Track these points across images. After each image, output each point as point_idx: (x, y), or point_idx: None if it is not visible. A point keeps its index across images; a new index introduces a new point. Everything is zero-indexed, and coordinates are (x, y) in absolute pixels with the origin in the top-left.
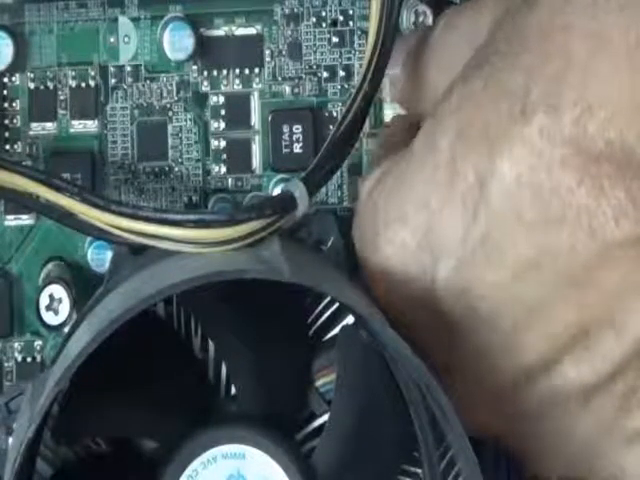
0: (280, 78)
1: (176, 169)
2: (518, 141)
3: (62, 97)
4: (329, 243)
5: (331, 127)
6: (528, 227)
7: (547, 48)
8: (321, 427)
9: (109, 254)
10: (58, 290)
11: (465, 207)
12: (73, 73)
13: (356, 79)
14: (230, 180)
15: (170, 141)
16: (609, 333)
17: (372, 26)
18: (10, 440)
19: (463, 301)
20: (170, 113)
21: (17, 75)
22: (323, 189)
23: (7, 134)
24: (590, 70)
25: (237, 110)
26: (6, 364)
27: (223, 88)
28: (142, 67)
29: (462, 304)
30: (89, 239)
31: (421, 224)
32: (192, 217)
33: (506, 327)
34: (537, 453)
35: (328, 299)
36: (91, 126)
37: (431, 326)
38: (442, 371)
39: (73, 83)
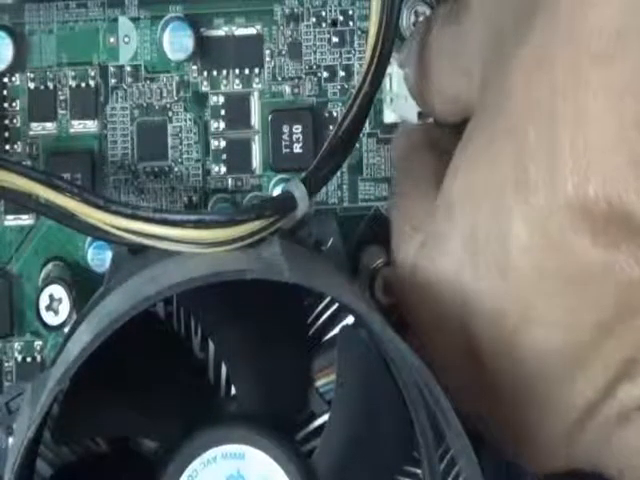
0: (280, 78)
1: (176, 169)
2: (528, 211)
3: (62, 97)
4: (329, 243)
5: (331, 127)
6: (554, 285)
7: (533, 113)
8: (321, 427)
9: (109, 254)
10: (58, 290)
11: (494, 279)
12: (73, 73)
13: (356, 79)
14: (230, 180)
15: (170, 141)
16: None
17: (372, 26)
18: (10, 440)
19: (509, 359)
20: (170, 113)
21: (17, 75)
22: (323, 189)
23: (7, 134)
24: (579, 134)
25: (237, 110)
26: (6, 364)
27: (223, 88)
28: (142, 67)
29: (508, 362)
30: (89, 239)
31: (458, 295)
32: (192, 217)
33: (558, 376)
34: (615, 469)
35: (328, 299)
36: (91, 126)
37: (470, 378)
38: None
39: (73, 83)
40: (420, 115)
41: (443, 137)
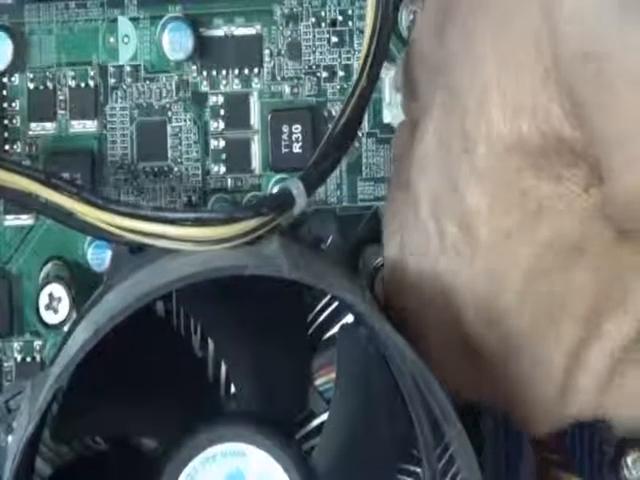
0: (279, 78)
1: (175, 169)
2: (475, 173)
3: (61, 97)
4: (328, 241)
5: (330, 127)
6: (518, 238)
7: (461, 73)
8: (320, 426)
9: (108, 253)
10: (58, 289)
11: (460, 257)
12: (72, 73)
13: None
14: (229, 180)
15: (169, 141)
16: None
17: (368, 23)
18: (10, 439)
19: (495, 330)
20: (169, 113)
21: (17, 75)
22: (323, 189)
23: (7, 134)
24: (502, 78)
25: (236, 110)
26: (6, 364)
27: (222, 88)
28: (141, 67)
29: (495, 332)
30: (89, 239)
31: (438, 283)
32: (190, 215)
33: (540, 327)
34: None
35: (327, 298)
36: (91, 126)
37: (461, 362)
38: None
39: (72, 83)
40: None
41: None
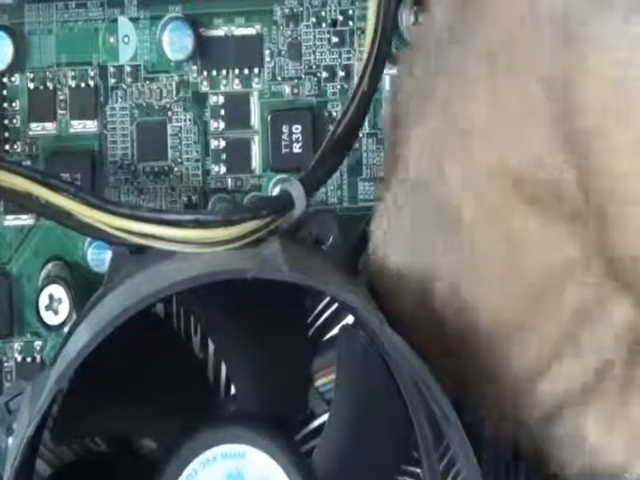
0: (280, 78)
1: (176, 169)
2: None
3: (61, 97)
4: (329, 241)
5: (330, 127)
6: (498, 249)
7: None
8: (321, 427)
9: (108, 254)
10: (58, 290)
11: (440, 239)
12: (73, 73)
13: (356, 79)
14: (230, 180)
15: (170, 141)
16: (589, 332)
17: (369, 24)
18: (10, 440)
19: (463, 317)
20: (170, 113)
21: (17, 75)
22: (323, 189)
23: (7, 134)
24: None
25: (237, 110)
26: (6, 364)
27: (223, 88)
28: (142, 67)
29: (462, 320)
30: (89, 239)
31: (417, 264)
32: (188, 217)
33: (504, 332)
34: (551, 454)
35: (328, 299)
36: (91, 126)
37: (433, 339)
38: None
39: (73, 83)
40: None
41: None
